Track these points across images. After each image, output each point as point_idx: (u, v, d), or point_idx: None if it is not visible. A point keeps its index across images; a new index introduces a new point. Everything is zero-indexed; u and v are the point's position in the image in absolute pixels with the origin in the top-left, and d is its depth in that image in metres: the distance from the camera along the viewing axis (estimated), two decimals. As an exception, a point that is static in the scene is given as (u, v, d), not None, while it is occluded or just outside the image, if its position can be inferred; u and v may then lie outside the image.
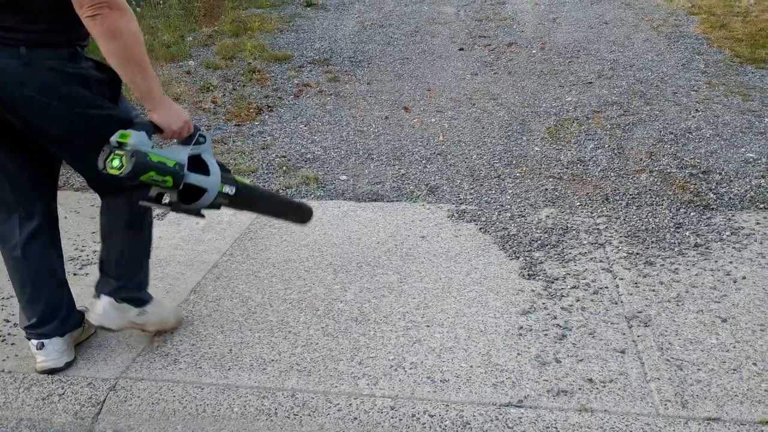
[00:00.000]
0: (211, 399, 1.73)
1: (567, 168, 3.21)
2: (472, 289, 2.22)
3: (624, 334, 1.96)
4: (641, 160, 3.24)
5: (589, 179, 3.08)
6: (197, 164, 1.66)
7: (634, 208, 2.79)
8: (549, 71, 4.61)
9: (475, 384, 1.76)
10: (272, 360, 1.87)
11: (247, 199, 1.86)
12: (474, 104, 4.11)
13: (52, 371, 1.83)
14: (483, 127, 3.75)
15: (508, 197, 2.95)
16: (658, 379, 1.77)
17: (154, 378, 1.82)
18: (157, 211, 1.80)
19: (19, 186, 1.74)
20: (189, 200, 1.66)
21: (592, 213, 2.76)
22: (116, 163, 1.51)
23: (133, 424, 1.69)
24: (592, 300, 2.14)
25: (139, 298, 1.88)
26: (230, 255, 2.48)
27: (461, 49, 5.16)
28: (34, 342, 1.83)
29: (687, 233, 2.56)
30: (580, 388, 1.74)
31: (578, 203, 2.85)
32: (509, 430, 1.61)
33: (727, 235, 2.54)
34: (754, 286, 2.20)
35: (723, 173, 3.08)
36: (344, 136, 3.67)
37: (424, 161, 3.35)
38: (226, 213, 2.85)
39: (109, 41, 1.47)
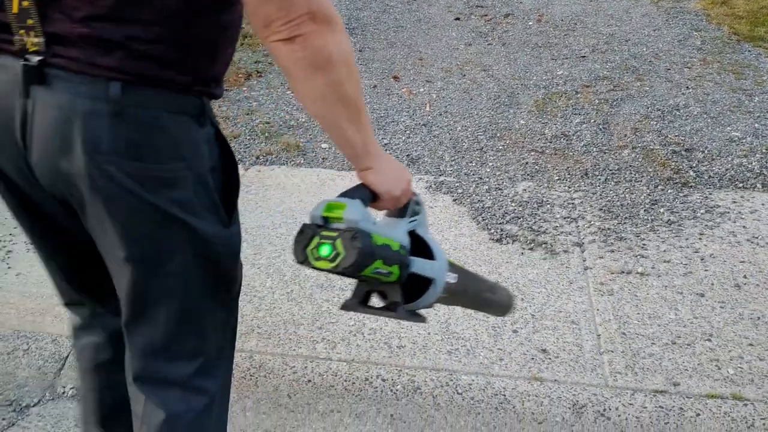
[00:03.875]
0: (171, 358, 1.77)
1: (550, 142, 3.20)
2: (440, 259, 2.24)
3: (584, 307, 1.98)
4: (625, 135, 3.23)
5: (571, 154, 3.07)
6: (415, 244, 1.11)
7: (613, 183, 2.79)
8: (543, 44, 4.56)
9: (431, 351, 1.79)
10: (235, 322, 1.91)
11: (465, 288, 1.22)
12: (464, 75, 4.07)
13: None
14: (471, 99, 3.73)
15: (488, 170, 2.95)
16: (612, 351, 1.79)
17: (118, 336, 1.86)
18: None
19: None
20: (409, 297, 1.10)
21: (569, 188, 2.76)
22: (327, 251, 0.96)
23: (94, 380, 1.73)
24: (557, 272, 2.16)
25: None
26: (205, 219, 2.50)
27: (457, 19, 5.09)
28: None
29: (661, 210, 2.56)
30: (533, 358, 1.77)
31: (557, 177, 2.85)
32: (458, 396, 1.65)
33: (702, 213, 2.54)
34: (722, 264, 2.21)
35: (706, 151, 3.07)
36: (307, 115, 3.65)
37: (408, 131, 3.35)
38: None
39: (316, 76, 0.87)
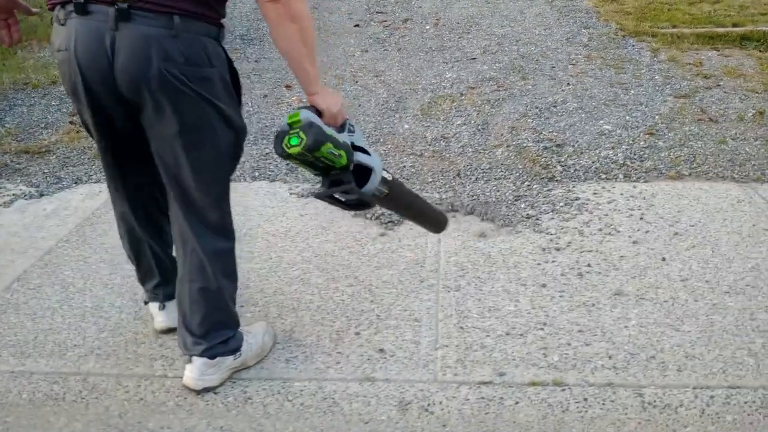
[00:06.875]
0: (2, 386, 1.74)
1: (430, 145, 3.26)
2: (300, 267, 2.26)
3: (430, 304, 2.03)
4: (502, 135, 3.32)
5: (448, 155, 3.14)
6: (355, 149, 1.62)
7: (482, 182, 2.87)
8: (437, 47, 4.65)
9: (268, 361, 1.80)
10: (75, 345, 1.88)
11: (401, 190, 1.76)
12: (357, 82, 4.12)
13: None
14: (360, 105, 3.77)
15: (366, 174, 2.98)
16: (447, 346, 1.85)
17: (-50, 369, 1.81)
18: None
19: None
20: (359, 186, 1.61)
21: (440, 188, 2.82)
22: (295, 140, 1.47)
23: None
24: (411, 272, 2.21)
25: (232, 349, 1.70)
26: (66, 241, 2.46)
27: (357, 26, 5.16)
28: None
29: (522, 205, 2.65)
30: (368, 359, 1.80)
31: (431, 179, 2.91)
32: (288, 403, 1.66)
33: (561, 206, 2.64)
34: (569, 254, 2.30)
35: (576, 146, 3.19)
36: (216, 117, 3.64)
37: (293, 140, 3.36)
38: (75, 198, 2.82)
39: (290, 24, 1.41)
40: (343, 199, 1.66)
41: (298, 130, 1.49)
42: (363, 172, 1.62)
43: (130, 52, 1.36)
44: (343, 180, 1.59)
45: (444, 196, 2.75)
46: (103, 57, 1.38)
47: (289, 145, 1.49)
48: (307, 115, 1.52)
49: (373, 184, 1.62)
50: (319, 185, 1.68)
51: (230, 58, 1.54)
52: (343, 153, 1.54)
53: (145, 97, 1.41)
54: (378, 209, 2.47)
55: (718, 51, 4.51)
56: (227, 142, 1.54)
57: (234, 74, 1.55)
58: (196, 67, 1.41)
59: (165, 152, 1.52)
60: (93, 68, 1.40)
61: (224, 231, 1.66)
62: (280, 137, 1.51)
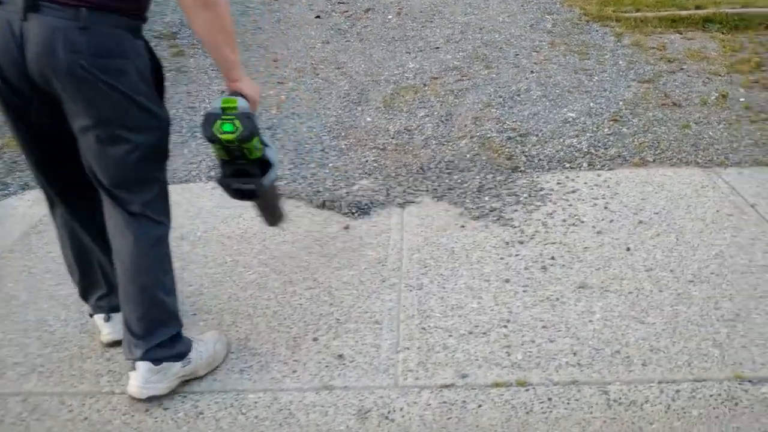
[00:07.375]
0: (-65, 412, 1.63)
1: (393, 138, 3.19)
2: (256, 270, 2.18)
3: (392, 305, 1.97)
4: (465, 126, 3.26)
5: (411, 148, 3.07)
6: None
7: (446, 175, 2.81)
8: (400, 37, 4.57)
9: (221, 372, 1.72)
10: (16, 363, 1.78)
11: (277, 187, 1.89)
12: (318, 74, 4.03)
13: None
14: (321, 98, 3.68)
15: (327, 171, 2.91)
16: (408, 348, 1.78)
17: None
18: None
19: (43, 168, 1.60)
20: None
21: (402, 182, 2.75)
22: (229, 127, 1.49)
23: None
24: (372, 272, 2.14)
25: (178, 353, 1.62)
26: (11, 251, 2.33)
27: (318, 17, 5.04)
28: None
29: (486, 198, 2.60)
30: (327, 366, 1.73)
31: (393, 174, 2.84)
32: (242, 416, 1.59)
33: (525, 198, 2.59)
34: (533, 247, 2.25)
35: (540, 135, 3.14)
36: (172, 114, 3.51)
37: (252, 137, 3.26)
38: (21, 204, 2.69)
39: (205, 11, 1.42)
40: (234, 188, 1.69)
41: (233, 117, 1.50)
42: (261, 165, 1.68)
43: (38, 43, 1.36)
44: (251, 172, 1.64)
45: (406, 191, 2.68)
46: (13, 47, 1.37)
47: (221, 131, 1.50)
48: (244, 104, 1.53)
49: (270, 177, 1.69)
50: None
51: (152, 50, 1.52)
52: (261, 147, 1.60)
53: (56, 89, 1.40)
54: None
55: (682, 34, 4.51)
56: (149, 134, 1.51)
57: (157, 66, 1.53)
58: (108, 59, 1.39)
59: (86, 148, 1.48)
60: (6, 59, 1.40)
61: (155, 222, 1.59)
62: (210, 120, 1.51)
